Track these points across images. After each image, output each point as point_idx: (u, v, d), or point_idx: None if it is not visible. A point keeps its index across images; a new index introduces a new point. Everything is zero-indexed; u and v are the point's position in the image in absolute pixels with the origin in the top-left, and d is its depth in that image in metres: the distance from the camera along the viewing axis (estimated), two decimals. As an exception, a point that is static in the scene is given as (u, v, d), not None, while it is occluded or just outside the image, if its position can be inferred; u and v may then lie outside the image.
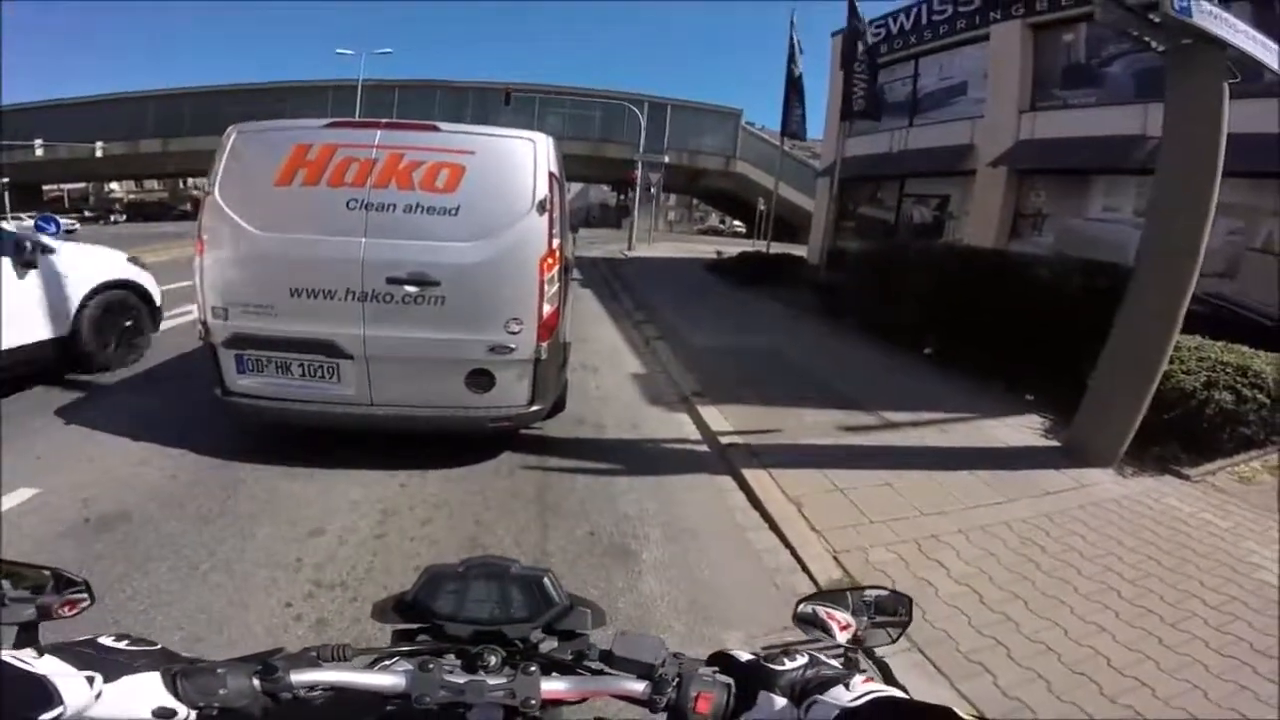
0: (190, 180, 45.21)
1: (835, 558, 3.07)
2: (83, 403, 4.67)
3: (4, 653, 0.61)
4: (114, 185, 39.45)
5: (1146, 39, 4.02)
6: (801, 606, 0.92)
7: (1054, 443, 4.74)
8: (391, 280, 3.37)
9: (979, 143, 11.82)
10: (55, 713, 0.57)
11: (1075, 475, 4.12)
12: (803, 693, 0.69)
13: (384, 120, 3.57)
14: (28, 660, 0.60)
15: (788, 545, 3.20)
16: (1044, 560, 3.12)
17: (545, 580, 0.84)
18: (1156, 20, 3.74)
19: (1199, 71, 3.82)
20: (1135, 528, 3.49)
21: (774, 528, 3.37)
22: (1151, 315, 4.10)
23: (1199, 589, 2.91)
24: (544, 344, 3.53)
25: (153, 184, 44.21)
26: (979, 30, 11.94)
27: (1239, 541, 3.37)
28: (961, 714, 0.54)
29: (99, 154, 28.91)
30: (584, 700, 0.79)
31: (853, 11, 11.95)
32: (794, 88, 15.46)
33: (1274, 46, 3.89)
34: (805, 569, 3.00)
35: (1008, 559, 3.12)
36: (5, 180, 30.22)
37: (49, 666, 0.61)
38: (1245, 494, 3.99)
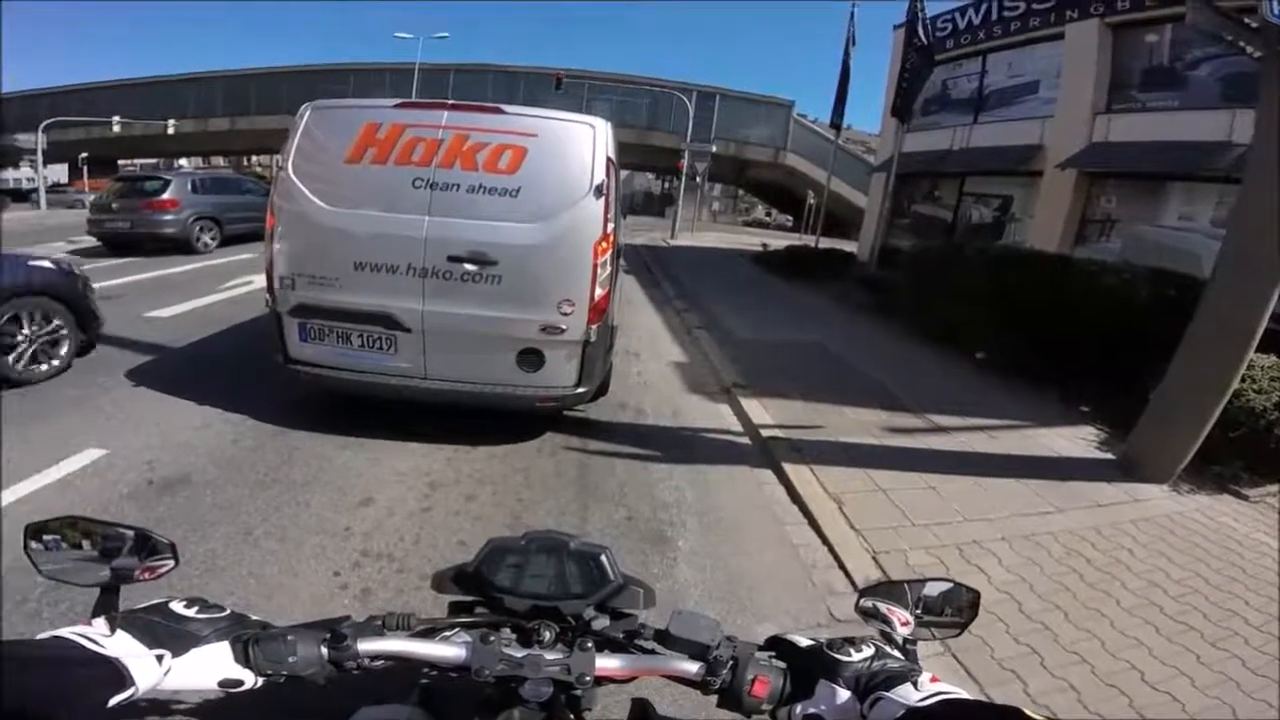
0: (255, 157, 46.94)
1: (874, 558, 3.04)
2: (151, 365, 4.93)
3: (77, 632, 0.62)
4: (183, 161, 41.19)
5: (1241, 43, 3.80)
6: (864, 599, 0.90)
7: (1108, 455, 4.56)
8: (452, 258, 3.46)
9: (1048, 143, 11.31)
10: (127, 693, 0.59)
11: (1128, 489, 3.98)
12: (867, 687, 0.67)
13: (450, 102, 3.64)
14: (99, 641, 0.61)
15: (826, 542, 3.18)
16: (1088, 572, 3.04)
17: (603, 557, 0.84)
18: (1253, 25, 3.54)
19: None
20: (1186, 545, 3.37)
21: (813, 524, 3.36)
22: (1226, 329, 3.88)
23: (1243, 608, 2.85)
24: (594, 326, 3.58)
25: (219, 160, 46.04)
26: (1054, 28, 11.40)
27: None
28: (1030, 714, 0.54)
29: (170, 131, 30.15)
30: (634, 679, 0.80)
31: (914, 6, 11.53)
32: (847, 79, 15.12)
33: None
34: (842, 566, 2.98)
35: (1051, 569, 3.05)
36: (85, 155, 31.94)
37: (120, 646, 0.62)
38: None
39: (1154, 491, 3.99)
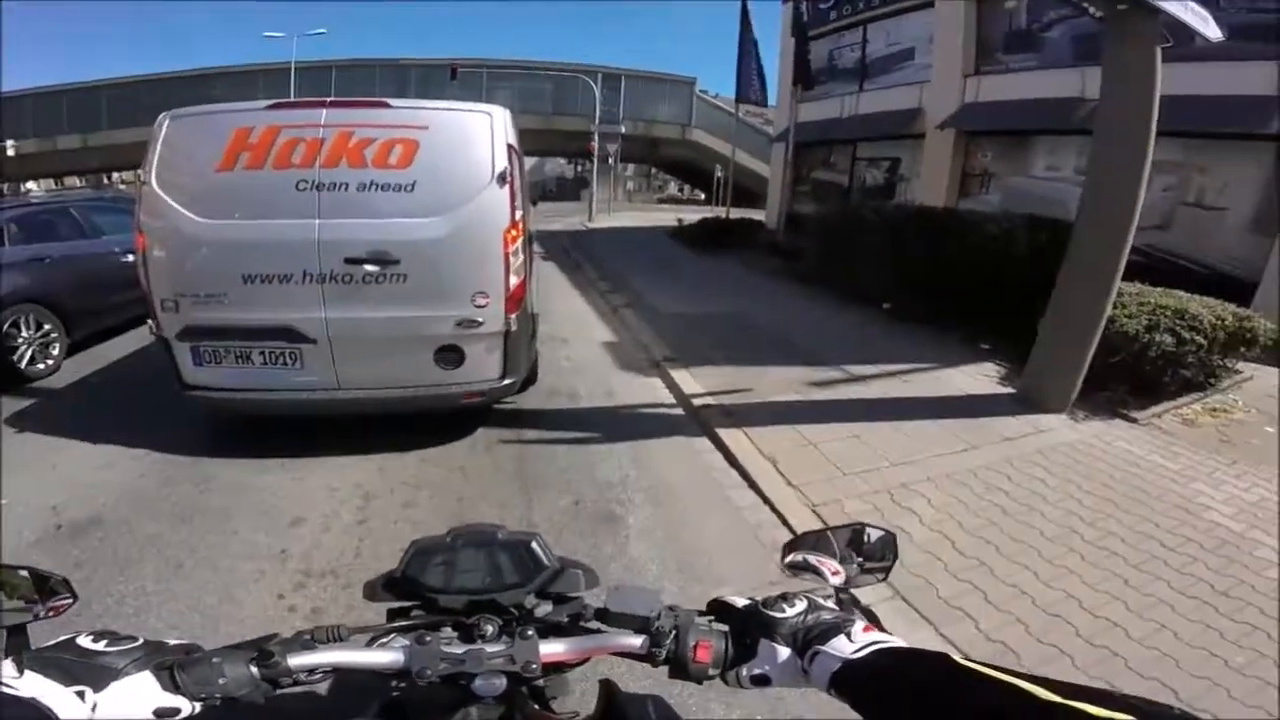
0: (116, 175, 42.49)
1: (814, 510, 3.19)
2: (34, 410, 4.45)
3: None
4: (31, 184, 36.73)
5: (1084, 5, 4.17)
6: (790, 555, 0.90)
7: (1009, 390, 4.95)
8: (350, 260, 3.29)
9: (927, 106, 12.02)
10: None
11: (1031, 421, 4.31)
12: (805, 641, 0.68)
13: (329, 99, 3.45)
14: (10, 683, 0.58)
15: (767, 501, 3.30)
16: (1009, 505, 3.25)
17: (533, 544, 0.83)
18: (1094, -14, 3.88)
19: (1134, 36, 3.97)
20: (1091, 471, 3.63)
21: (752, 485, 3.47)
22: (1093, 265, 4.29)
23: (1156, 530, 3.04)
24: (513, 316, 3.52)
25: (75, 181, 41.45)
26: (923, -5, 12.09)
27: (1188, 484, 3.50)
28: (958, 659, 0.56)
29: (11, 153, 26.94)
30: (585, 660, 0.79)
31: None
32: (749, 53, 15.43)
33: (1205, 13, 4.05)
34: (786, 523, 3.10)
35: (975, 505, 3.25)
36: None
37: (34, 686, 0.58)
38: (1190, 436, 4.17)
39: (1054, 421, 4.33)
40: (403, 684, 0.81)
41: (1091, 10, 4.19)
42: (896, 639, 0.66)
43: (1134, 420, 4.39)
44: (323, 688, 0.74)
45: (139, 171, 3.42)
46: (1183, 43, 4.23)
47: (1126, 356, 4.57)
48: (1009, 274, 5.92)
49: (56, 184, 39.70)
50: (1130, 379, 4.64)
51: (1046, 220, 6.50)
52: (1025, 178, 10.60)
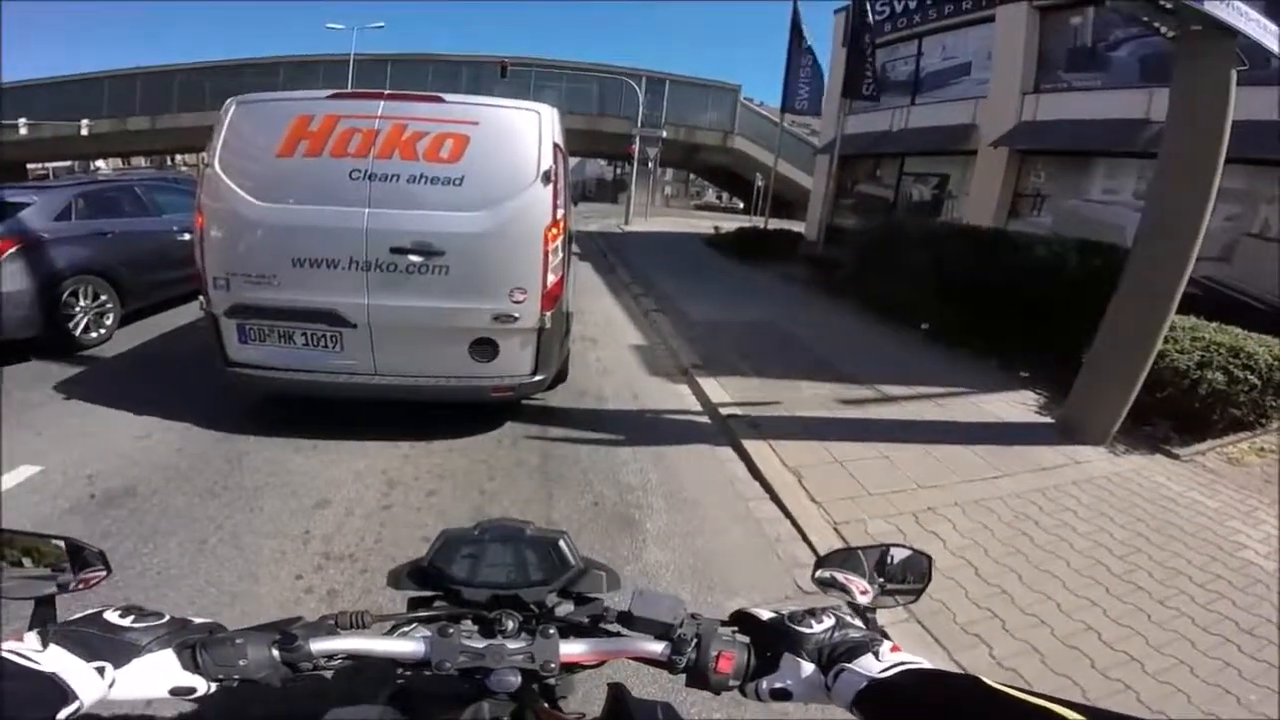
0: (180, 157, 44.33)
1: (835, 528, 3.13)
2: (82, 377, 4.65)
3: (7, 648, 0.59)
4: (100, 163, 38.60)
5: (1156, 24, 4.00)
6: (821, 570, 0.90)
7: (1048, 419, 4.80)
8: (395, 250, 3.37)
9: (981, 123, 11.75)
10: (72, 708, 0.56)
11: (1068, 452, 4.18)
12: (830, 658, 0.68)
13: (387, 91, 3.53)
14: (33, 656, 0.58)
15: (788, 515, 3.26)
16: (1037, 535, 3.18)
17: (561, 543, 0.83)
18: (1168, 6, 3.73)
19: (1207, 58, 3.80)
20: (1126, 505, 3.54)
21: (774, 498, 3.43)
22: (1148, 296, 4.13)
23: (1186, 566, 2.98)
24: (548, 313, 3.55)
25: (140, 161, 43.35)
26: (985, 11, 11.81)
27: (1225, 521, 3.43)
28: (988, 682, 0.54)
29: (85, 132, 28.26)
30: (602, 663, 0.79)
31: None
32: (798, 63, 15.27)
33: (1282, 34, 3.87)
34: (806, 539, 3.05)
35: (1002, 533, 3.18)
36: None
37: (56, 661, 0.59)
38: (1233, 475, 4.04)
39: (1092, 454, 4.20)
40: (408, 672, 0.81)
41: (1164, 30, 4.02)
42: (924, 660, 0.65)
43: (1176, 456, 4.24)
44: (330, 672, 0.74)
45: (203, 155, 3.56)
46: (1258, 65, 4.04)
47: (1174, 392, 4.40)
48: (1056, 300, 5.72)
49: (123, 163, 41.67)
50: (1176, 415, 4.46)
51: (1100, 245, 6.28)
52: (1080, 200, 10.28)
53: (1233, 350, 4.49)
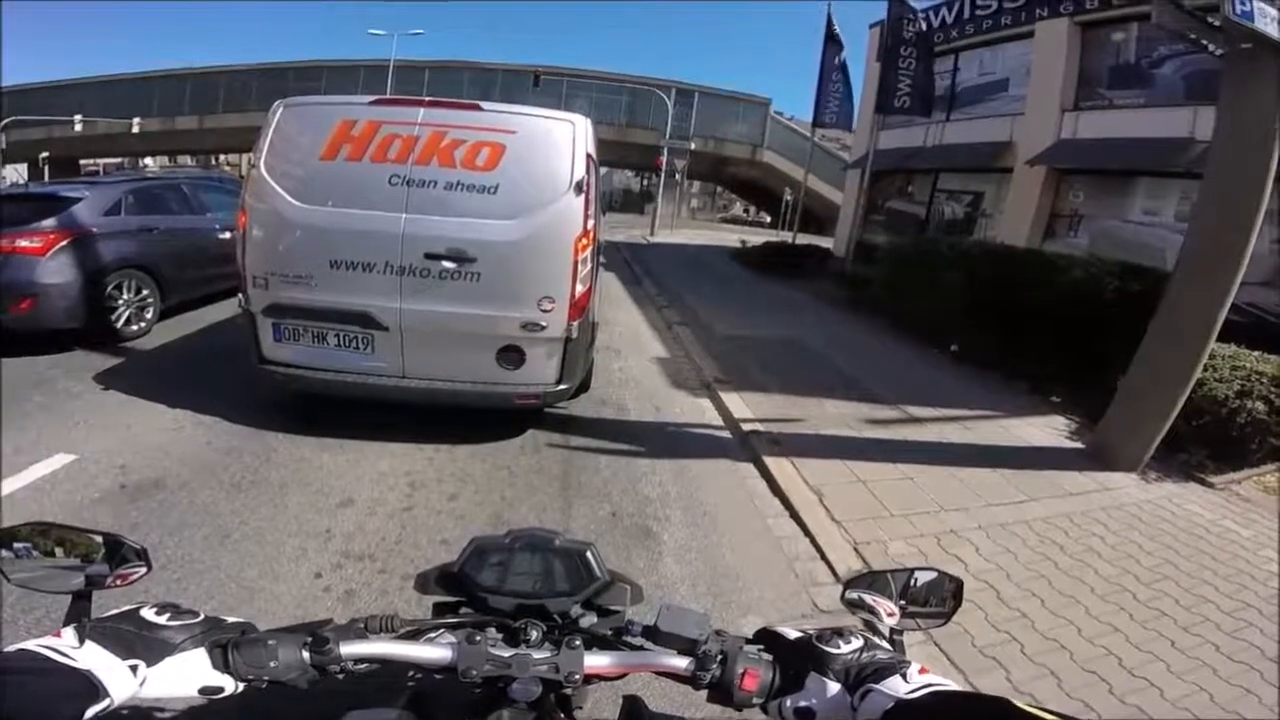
0: (223, 156, 45.84)
1: (855, 549, 3.09)
2: (121, 369, 4.81)
3: (44, 644, 0.60)
4: (148, 160, 40.10)
5: (1204, 42, 3.91)
6: (849, 590, 0.89)
7: (1078, 445, 4.68)
8: (430, 255, 3.43)
9: (1018, 140, 11.56)
10: (102, 705, 0.57)
11: (1098, 478, 4.09)
12: (857, 679, 0.67)
13: (428, 99, 3.61)
14: (67, 653, 0.59)
15: (807, 534, 3.22)
16: (1062, 560, 3.12)
17: (588, 554, 0.83)
18: (1216, 23, 3.65)
19: (1257, 76, 3.71)
20: (1155, 532, 3.47)
21: (794, 516, 3.40)
22: (1189, 321, 4.01)
23: (1214, 595, 2.92)
24: (574, 323, 3.58)
25: (186, 159, 44.92)
26: (1023, 26, 11.65)
27: (1258, 550, 3.36)
28: (1018, 704, 0.54)
29: (135, 130, 29.36)
30: (624, 676, 0.79)
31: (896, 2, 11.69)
32: (830, 77, 15.22)
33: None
34: (824, 558, 3.02)
35: (1026, 557, 3.12)
36: (45, 155, 30.92)
37: (90, 658, 0.60)
38: (1269, 504, 3.93)
39: (1123, 480, 4.10)
40: (418, 675, 0.82)
41: (1212, 48, 3.93)
42: (953, 683, 0.64)
43: (1210, 485, 4.13)
44: (362, 673, 0.75)
45: (249, 156, 3.67)
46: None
47: (1211, 420, 4.27)
48: (1090, 323, 5.59)
49: (170, 161, 43.21)
50: (1212, 442, 4.33)
51: (1138, 268, 6.12)
52: (1119, 221, 10.02)
53: (1275, 380, 4.36)
